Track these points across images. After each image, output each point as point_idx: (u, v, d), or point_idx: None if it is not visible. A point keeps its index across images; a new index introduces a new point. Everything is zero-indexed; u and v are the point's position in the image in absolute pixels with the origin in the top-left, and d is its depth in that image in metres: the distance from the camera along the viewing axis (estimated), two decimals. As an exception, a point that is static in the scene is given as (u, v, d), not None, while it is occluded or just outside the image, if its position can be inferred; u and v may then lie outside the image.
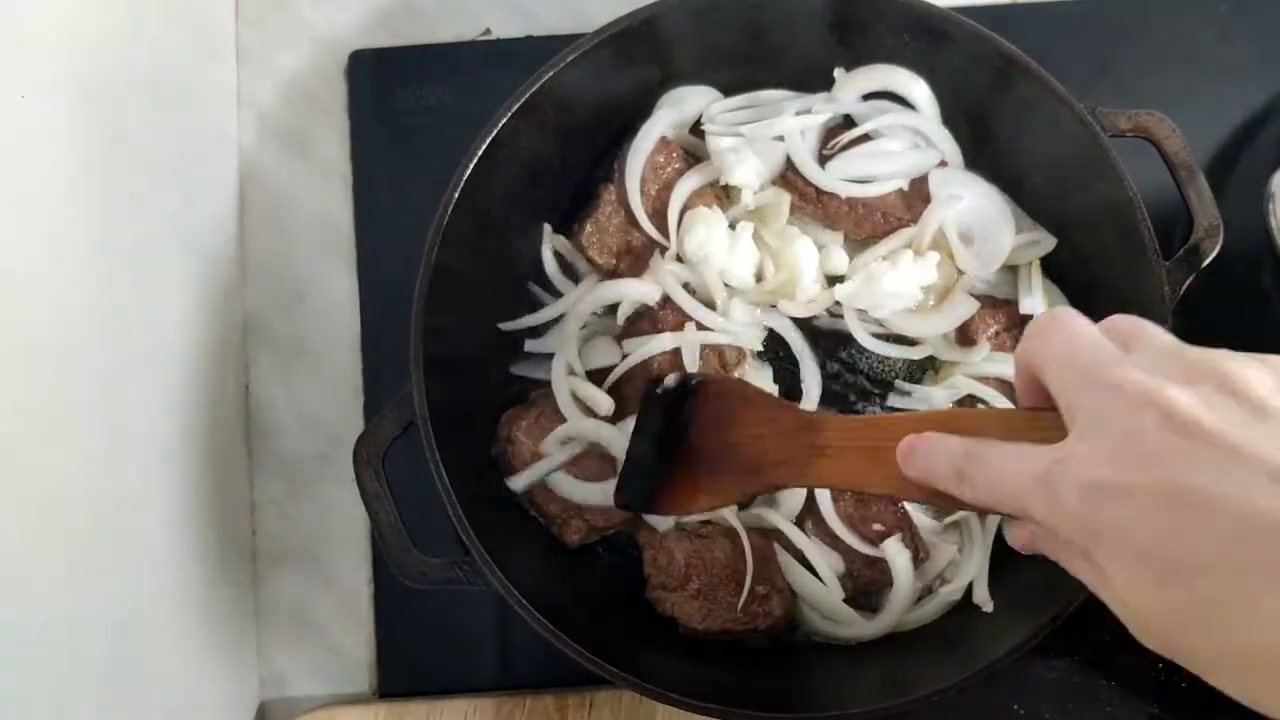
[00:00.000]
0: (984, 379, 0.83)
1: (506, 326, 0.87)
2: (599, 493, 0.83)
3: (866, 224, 0.85)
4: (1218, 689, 0.44)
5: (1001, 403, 0.82)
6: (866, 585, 0.83)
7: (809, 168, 0.85)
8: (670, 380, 0.73)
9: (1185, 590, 0.43)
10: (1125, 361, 0.48)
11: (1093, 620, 0.87)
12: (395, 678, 0.92)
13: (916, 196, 0.85)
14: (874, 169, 0.85)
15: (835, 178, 0.84)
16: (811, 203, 0.85)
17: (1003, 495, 0.50)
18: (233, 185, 0.97)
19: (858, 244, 0.87)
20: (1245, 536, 0.41)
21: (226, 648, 0.90)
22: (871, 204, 0.84)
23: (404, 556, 0.74)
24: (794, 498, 0.83)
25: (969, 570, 0.82)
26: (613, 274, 0.87)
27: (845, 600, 0.82)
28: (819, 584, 0.82)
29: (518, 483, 0.84)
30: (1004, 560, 0.83)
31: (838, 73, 0.86)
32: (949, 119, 0.86)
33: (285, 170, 0.98)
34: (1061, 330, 0.51)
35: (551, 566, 0.84)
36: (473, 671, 0.91)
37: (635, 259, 0.86)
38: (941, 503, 0.55)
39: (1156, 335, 0.50)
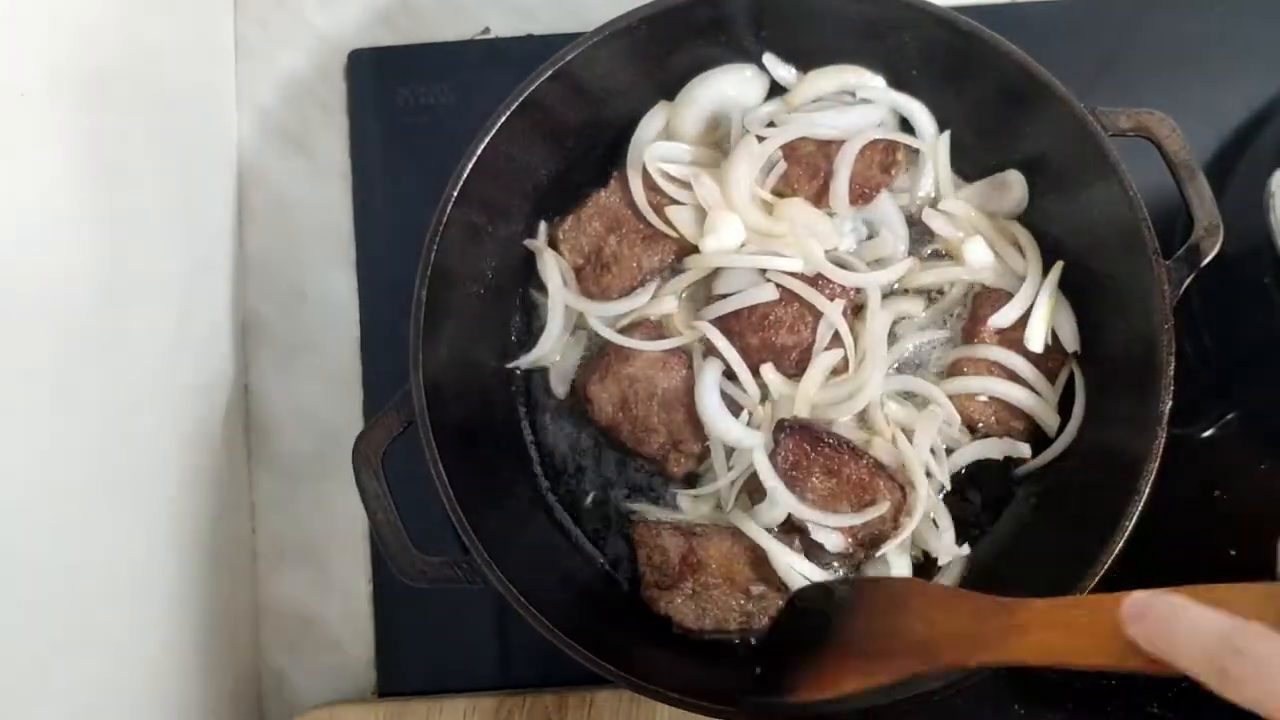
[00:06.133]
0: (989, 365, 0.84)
1: (511, 365, 0.88)
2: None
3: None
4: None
5: (1005, 389, 0.82)
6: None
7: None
8: (812, 589, 0.75)
9: None
10: None
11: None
12: (395, 677, 0.92)
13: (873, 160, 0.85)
14: (836, 121, 0.85)
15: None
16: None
17: None
18: (232, 183, 0.97)
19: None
20: None
21: (227, 647, 0.90)
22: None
23: (403, 556, 0.74)
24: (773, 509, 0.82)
25: (951, 570, 0.82)
26: (578, 273, 0.87)
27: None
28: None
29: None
30: (996, 560, 0.83)
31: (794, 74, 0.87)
32: (947, 119, 0.86)
33: (285, 169, 0.98)
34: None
35: (550, 566, 0.84)
36: (473, 670, 0.91)
37: (603, 267, 0.86)
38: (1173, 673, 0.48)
39: None
